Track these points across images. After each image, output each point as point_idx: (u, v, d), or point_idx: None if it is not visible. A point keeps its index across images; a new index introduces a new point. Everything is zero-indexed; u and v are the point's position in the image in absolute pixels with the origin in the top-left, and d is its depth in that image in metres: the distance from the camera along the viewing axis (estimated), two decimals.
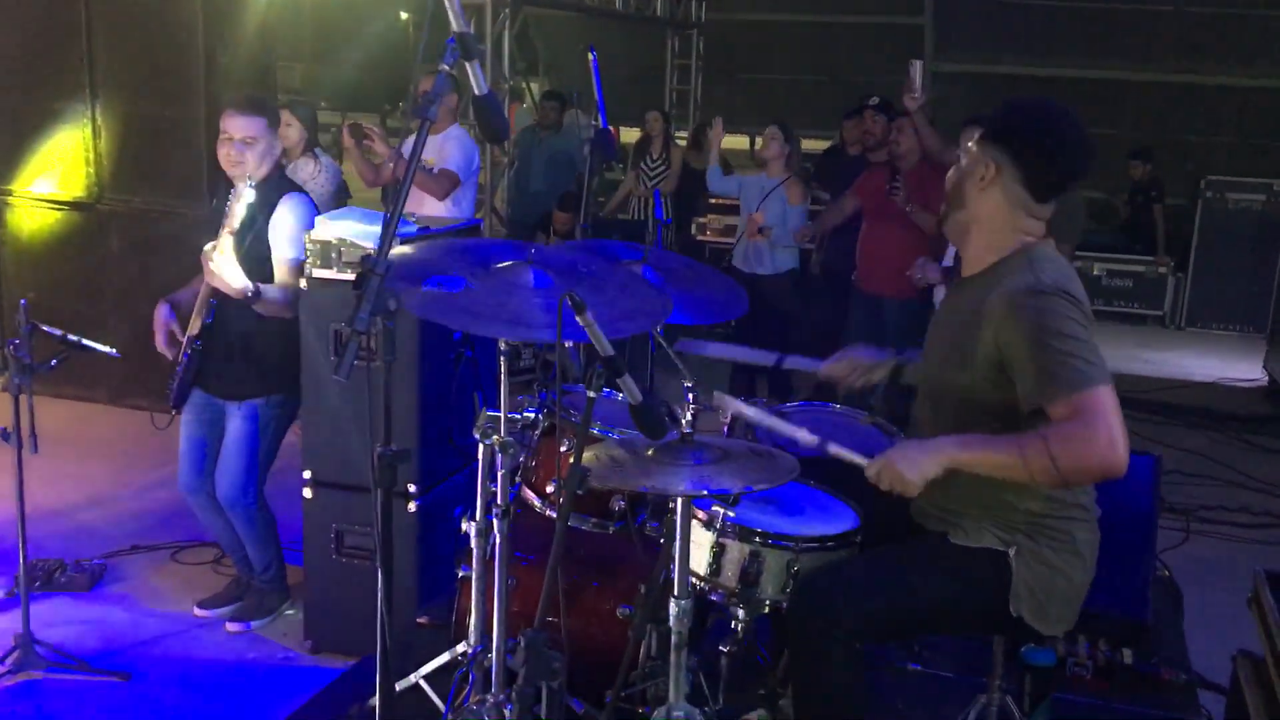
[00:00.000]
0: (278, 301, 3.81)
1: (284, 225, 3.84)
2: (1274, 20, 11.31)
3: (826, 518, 2.75)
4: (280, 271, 3.85)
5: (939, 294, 5.19)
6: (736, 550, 2.58)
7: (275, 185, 3.90)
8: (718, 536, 2.60)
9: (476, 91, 2.24)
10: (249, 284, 3.71)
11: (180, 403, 3.98)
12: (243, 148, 3.81)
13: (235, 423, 3.97)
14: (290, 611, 4.23)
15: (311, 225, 3.83)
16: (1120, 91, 12.34)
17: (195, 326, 3.85)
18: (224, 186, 3.98)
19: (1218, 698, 3.46)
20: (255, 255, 3.83)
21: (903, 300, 5.55)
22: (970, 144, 2.59)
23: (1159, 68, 11.97)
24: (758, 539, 2.58)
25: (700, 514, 2.62)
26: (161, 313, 3.94)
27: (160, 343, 3.94)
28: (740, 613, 2.59)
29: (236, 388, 3.94)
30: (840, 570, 2.59)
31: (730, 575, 2.58)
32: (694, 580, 2.60)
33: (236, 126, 3.81)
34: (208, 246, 3.75)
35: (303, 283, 3.72)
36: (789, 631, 2.56)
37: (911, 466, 2.36)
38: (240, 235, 3.76)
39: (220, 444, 4.03)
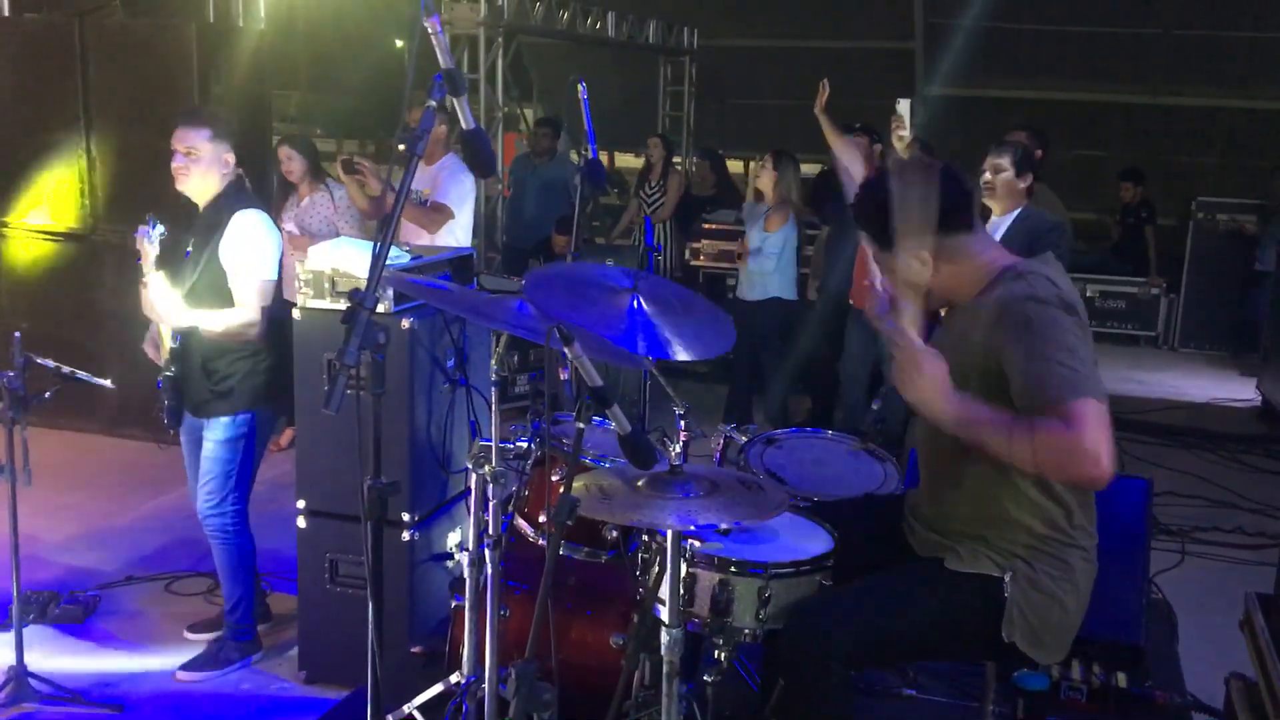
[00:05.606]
0: (221, 328, 3.80)
1: (239, 245, 3.80)
2: (1261, 42, 11.39)
3: (800, 543, 2.74)
4: (236, 291, 3.82)
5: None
6: (707, 579, 2.58)
7: (227, 203, 3.85)
8: (689, 566, 2.59)
9: (464, 126, 2.26)
10: (182, 319, 3.75)
11: (174, 423, 3.97)
12: (184, 159, 3.79)
13: (207, 441, 3.96)
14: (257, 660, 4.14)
15: (273, 240, 3.85)
16: (1110, 114, 12.41)
17: (166, 349, 3.86)
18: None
19: None
20: (210, 281, 3.82)
21: None
22: (877, 262, 2.62)
23: (1148, 90, 12.04)
24: (731, 568, 2.57)
25: None
26: (153, 328, 3.98)
27: (152, 355, 3.98)
28: (720, 641, 2.58)
29: (204, 406, 3.92)
30: (833, 596, 2.59)
31: (703, 604, 2.58)
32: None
33: (177, 138, 3.80)
34: (142, 283, 3.76)
35: (296, 313, 3.73)
36: (782, 658, 2.56)
37: (922, 393, 2.35)
38: (194, 260, 3.80)
39: None
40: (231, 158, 3.89)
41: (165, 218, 3.80)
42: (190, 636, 4.25)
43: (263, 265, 3.83)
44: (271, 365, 3.91)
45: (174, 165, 3.82)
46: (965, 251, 2.53)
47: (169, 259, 3.82)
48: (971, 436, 2.35)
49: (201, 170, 3.81)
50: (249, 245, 3.80)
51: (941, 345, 2.60)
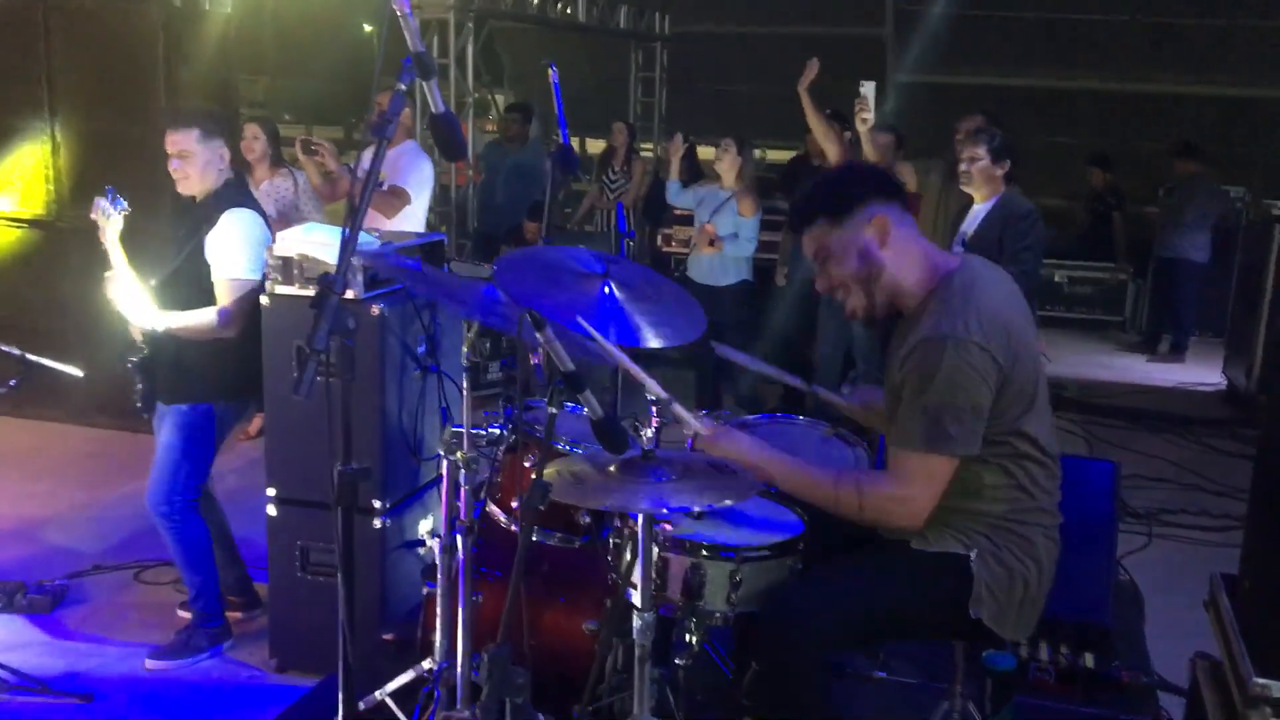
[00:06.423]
0: (181, 326, 3.77)
1: (221, 242, 3.77)
2: (1228, 29, 11.50)
3: (771, 526, 2.76)
4: (218, 290, 3.79)
5: None
6: (678, 563, 2.59)
7: (222, 199, 3.83)
8: (661, 550, 2.60)
9: (434, 110, 2.25)
10: (146, 321, 3.73)
11: (148, 408, 3.94)
12: (179, 162, 3.80)
13: (163, 428, 3.93)
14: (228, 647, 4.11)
15: (258, 239, 3.81)
16: (1077, 100, 12.50)
17: (138, 334, 3.83)
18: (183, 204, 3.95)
19: (1179, 700, 3.50)
20: (189, 274, 3.79)
21: None
22: (817, 244, 2.65)
23: (1115, 77, 12.13)
24: (703, 552, 2.59)
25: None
26: None
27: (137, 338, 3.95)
28: (691, 624, 2.59)
29: (168, 392, 3.89)
30: (806, 581, 2.62)
31: (675, 588, 2.59)
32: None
33: (170, 141, 3.81)
34: (107, 275, 3.74)
35: (264, 299, 3.70)
36: (756, 642, 2.58)
37: (732, 459, 2.58)
38: (176, 251, 3.78)
39: None
40: (226, 152, 3.90)
41: (128, 196, 3.78)
42: (182, 614, 4.22)
43: (241, 265, 3.79)
44: (237, 359, 3.85)
45: (171, 170, 3.83)
46: (894, 238, 2.57)
47: (152, 251, 3.79)
48: (794, 491, 2.61)
49: (199, 170, 3.82)
50: (232, 243, 3.78)
51: (889, 357, 2.69)
